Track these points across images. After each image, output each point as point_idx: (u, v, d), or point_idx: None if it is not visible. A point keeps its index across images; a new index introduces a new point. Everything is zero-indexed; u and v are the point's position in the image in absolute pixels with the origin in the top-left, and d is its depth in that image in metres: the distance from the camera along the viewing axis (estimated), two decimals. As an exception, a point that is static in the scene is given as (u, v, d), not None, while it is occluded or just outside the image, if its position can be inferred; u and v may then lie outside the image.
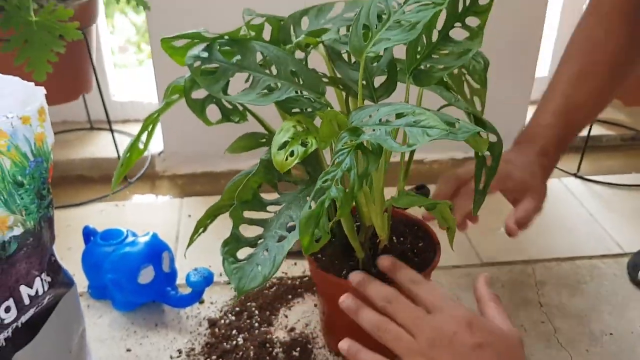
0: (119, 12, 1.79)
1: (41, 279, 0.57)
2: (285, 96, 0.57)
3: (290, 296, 0.84)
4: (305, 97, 0.61)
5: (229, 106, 0.64)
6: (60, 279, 0.61)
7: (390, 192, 0.62)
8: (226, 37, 0.59)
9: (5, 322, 0.54)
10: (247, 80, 0.58)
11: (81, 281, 0.71)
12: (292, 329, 0.78)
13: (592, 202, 1.07)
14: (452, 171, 0.77)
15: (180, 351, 0.75)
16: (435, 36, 0.60)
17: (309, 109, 0.60)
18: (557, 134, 0.75)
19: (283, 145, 0.52)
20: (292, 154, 0.51)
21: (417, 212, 0.73)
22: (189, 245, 0.67)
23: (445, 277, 0.88)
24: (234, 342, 0.75)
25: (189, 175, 1.17)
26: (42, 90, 0.57)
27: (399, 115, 0.51)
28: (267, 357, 0.73)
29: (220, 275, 0.87)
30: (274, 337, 0.77)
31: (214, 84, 0.56)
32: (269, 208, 0.60)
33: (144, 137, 0.65)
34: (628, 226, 1.00)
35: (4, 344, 0.54)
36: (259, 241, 0.57)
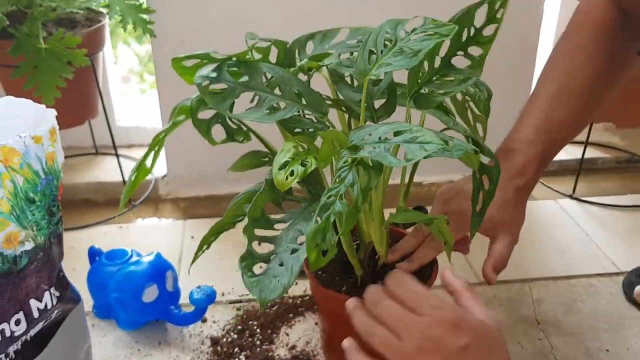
0: (122, 42, 1.83)
1: (50, 293, 0.59)
2: (289, 115, 0.59)
3: (291, 315, 0.85)
4: (308, 117, 0.63)
5: (234, 126, 0.66)
6: (68, 295, 0.62)
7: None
8: (234, 58, 0.62)
9: (16, 334, 0.55)
10: (252, 101, 0.61)
11: (86, 300, 0.73)
12: (293, 347, 0.79)
13: (587, 223, 1.09)
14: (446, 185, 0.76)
15: (183, 369, 0.76)
16: (437, 62, 0.63)
17: (311, 129, 0.62)
18: (541, 151, 0.73)
19: (284, 165, 0.54)
20: (292, 173, 0.53)
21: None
22: (193, 261, 0.69)
23: (442, 296, 0.88)
24: (236, 360, 0.76)
25: (191, 198, 1.19)
26: (53, 112, 0.60)
27: (397, 133, 0.53)
28: (269, 374, 0.74)
29: (222, 295, 0.88)
30: (275, 355, 0.78)
31: (222, 103, 0.59)
32: (276, 226, 0.63)
33: (150, 157, 0.67)
34: (623, 245, 1.02)
35: (14, 357, 0.55)
36: (272, 256, 0.60)
